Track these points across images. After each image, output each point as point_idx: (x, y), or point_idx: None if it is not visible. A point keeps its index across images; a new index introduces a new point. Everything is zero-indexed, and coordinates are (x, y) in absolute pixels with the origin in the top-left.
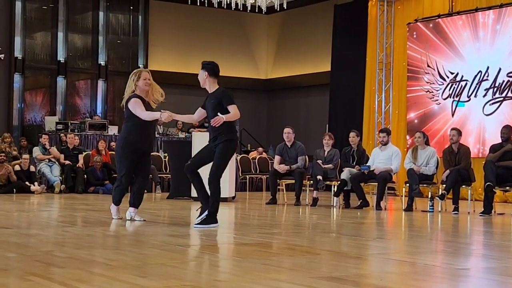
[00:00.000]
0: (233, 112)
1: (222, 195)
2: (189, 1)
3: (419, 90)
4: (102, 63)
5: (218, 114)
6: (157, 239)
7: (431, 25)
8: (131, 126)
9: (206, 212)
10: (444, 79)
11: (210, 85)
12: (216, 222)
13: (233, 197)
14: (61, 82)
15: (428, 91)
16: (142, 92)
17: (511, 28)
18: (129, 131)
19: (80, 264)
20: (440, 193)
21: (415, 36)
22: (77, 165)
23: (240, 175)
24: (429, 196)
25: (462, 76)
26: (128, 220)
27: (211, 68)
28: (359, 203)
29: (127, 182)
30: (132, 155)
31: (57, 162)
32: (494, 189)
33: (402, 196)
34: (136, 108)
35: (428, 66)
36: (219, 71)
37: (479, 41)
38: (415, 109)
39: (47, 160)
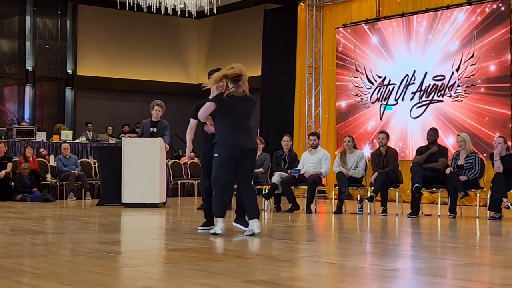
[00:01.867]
0: None
1: (152, 201)
2: (118, 6)
3: (348, 94)
4: (30, 68)
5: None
6: (85, 246)
7: (359, 29)
8: None
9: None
10: (372, 83)
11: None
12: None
13: (164, 203)
14: None
15: (357, 95)
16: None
17: (440, 35)
18: None
19: (5, 273)
20: (368, 196)
21: (343, 40)
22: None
23: (172, 180)
24: (358, 199)
25: (390, 80)
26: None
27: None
28: (289, 207)
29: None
30: None
31: None
32: (421, 191)
33: (332, 199)
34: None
35: (357, 70)
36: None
37: (406, 45)
38: (344, 113)
39: None
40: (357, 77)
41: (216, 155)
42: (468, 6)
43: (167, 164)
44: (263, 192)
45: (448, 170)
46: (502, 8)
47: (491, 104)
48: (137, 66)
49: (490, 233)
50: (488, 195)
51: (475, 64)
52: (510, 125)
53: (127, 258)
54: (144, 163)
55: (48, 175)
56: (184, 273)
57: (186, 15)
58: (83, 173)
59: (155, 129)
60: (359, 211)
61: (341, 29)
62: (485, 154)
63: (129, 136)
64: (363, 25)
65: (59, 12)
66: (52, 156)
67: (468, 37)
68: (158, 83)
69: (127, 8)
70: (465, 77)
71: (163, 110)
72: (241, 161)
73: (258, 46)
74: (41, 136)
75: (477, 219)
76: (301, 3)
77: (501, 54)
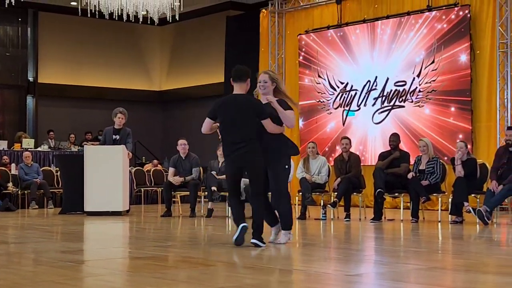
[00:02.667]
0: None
1: (115, 209)
2: (80, 13)
3: (311, 99)
4: None
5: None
6: (48, 256)
7: (321, 36)
8: None
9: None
10: (335, 89)
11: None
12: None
13: (128, 211)
14: None
15: (320, 100)
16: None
17: (402, 41)
18: None
19: None
20: (332, 201)
21: (306, 47)
22: None
23: (135, 188)
24: (322, 204)
25: (352, 86)
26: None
27: (232, 72)
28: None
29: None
30: None
31: None
32: (383, 196)
33: (295, 204)
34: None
35: (319, 76)
36: (241, 74)
37: (368, 51)
38: (307, 118)
39: None
40: (319, 83)
41: (286, 167)
42: (429, 13)
43: (130, 172)
44: (227, 199)
45: (410, 175)
46: (460, 13)
47: (451, 116)
48: (99, 73)
49: (452, 237)
50: (450, 199)
51: (436, 69)
52: (472, 138)
53: (90, 267)
54: (106, 171)
55: (10, 184)
56: (147, 282)
57: (148, 22)
58: (45, 182)
59: (117, 137)
60: (322, 216)
61: (303, 36)
62: (446, 158)
63: (92, 144)
64: (325, 31)
65: (20, 19)
66: (13, 165)
67: (429, 43)
68: (121, 90)
69: (89, 15)
70: (426, 83)
71: (126, 118)
72: None
73: (221, 52)
74: (2, 145)
75: (439, 223)
76: (263, 10)
77: (461, 67)
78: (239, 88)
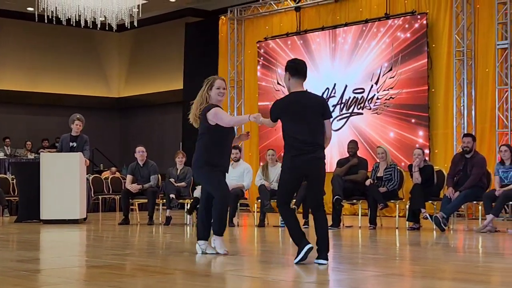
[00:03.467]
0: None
1: (72, 217)
2: (37, 19)
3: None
4: None
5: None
6: (2, 265)
7: (280, 43)
8: (207, 142)
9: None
10: None
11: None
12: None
13: (85, 218)
14: None
15: None
16: (216, 102)
17: (361, 48)
18: (205, 147)
19: None
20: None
21: (265, 54)
22: None
23: (92, 195)
24: None
25: None
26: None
27: (292, 67)
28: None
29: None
30: (218, 173)
31: None
32: (342, 203)
33: (254, 212)
34: (221, 114)
35: (278, 83)
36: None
37: (327, 58)
38: (266, 126)
39: None
40: (278, 90)
41: None
42: (389, 21)
43: (87, 179)
44: (186, 206)
45: (368, 182)
46: (418, 21)
47: (408, 123)
48: (56, 79)
49: (409, 244)
50: (407, 206)
51: (393, 77)
52: (429, 145)
53: (45, 276)
54: (63, 179)
55: None
56: None
57: (107, 28)
58: (1, 190)
59: (75, 144)
60: (281, 224)
61: (262, 43)
62: (403, 164)
63: (49, 151)
64: (285, 38)
65: None
66: None
67: (387, 51)
68: (78, 97)
69: (46, 21)
70: (384, 90)
71: (83, 125)
72: None
73: (180, 59)
74: None
75: (397, 230)
76: (223, 17)
77: (418, 75)
78: (301, 85)
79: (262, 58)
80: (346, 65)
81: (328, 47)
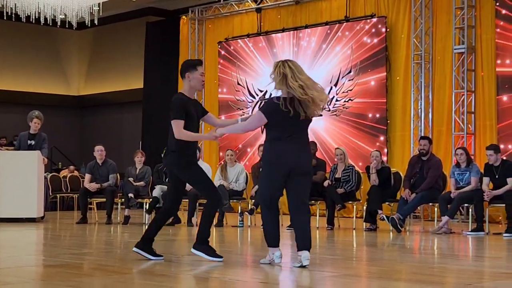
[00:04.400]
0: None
1: (29, 215)
2: None
3: (231, 107)
4: None
5: None
6: None
7: (240, 44)
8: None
9: None
10: (254, 97)
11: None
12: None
13: (42, 217)
14: None
15: (239, 108)
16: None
17: (320, 50)
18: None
19: None
20: (249, 208)
21: (226, 54)
22: None
23: (50, 194)
24: (239, 211)
25: (271, 94)
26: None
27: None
28: (171, 220)
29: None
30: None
31: None
32: None
33: None
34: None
35: (239, 84)
36: None
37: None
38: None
39: None
40: (238, 91)
41: None
42: (348, 23)
43: (45, 178)
44: (144, 206)
45: (326, 183)
46: (377, 25)
47: (366, 126)
48: (15, 77)
49: (366, 244)
50: (364, 207)
51: (352, 79)
52: (386, 147)
53: (1, 275)
54: (21, 177)
55: None
56: None
57: (67, 26)
58: None
59: (33, 142)
60: (239, 223)
61: (223, 43)
62: (360, 163)
63: (6, 149)
64: (244, 39)
65: None
66: None
67: (346, 53)
68: (37, 94)
69: (5, 18)
70: (343, 92)
71: (42, 122)
72: None
73: (140, 58)
74: None
75: (354, 231)
76: (184, 16)
77: (377, 78)
78: None
79: (222, 58)
80: (308, 67)
81: (291, 49)
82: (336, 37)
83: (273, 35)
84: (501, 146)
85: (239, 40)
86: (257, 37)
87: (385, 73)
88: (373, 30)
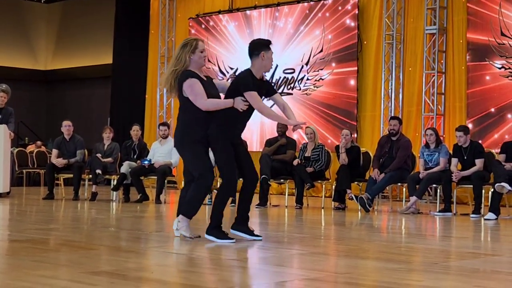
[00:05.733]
0: None
1: None
2: None
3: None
4: None
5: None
6: None
7: (211, 21)
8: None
9: None
10: (225, 74)
11: None
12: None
13: (8, 193)
14: None
15: None
16: (197, 69)
17: (286, 27)
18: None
19: None
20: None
21: (196, 31)
22: None
23: (17, 169)
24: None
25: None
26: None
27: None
28: (139, 197)
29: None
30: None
31: None
32: (269, 182)
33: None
34: (197, 90)
35: (209, 61)
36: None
37: (259, 37)
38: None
39: None
40: (209, 68)
41: None
42: (318, 2)
43: (11, 153)
44: (112, 182)
45: (295, 162)
46: (349, 3)
47: (336, 106)
48: None
49: (334, 223)
50: (333, 187)
51: (323, 59)
52: (356, 127)
53: None
54: None
55: None
56: (24, 265)
57: None
58: None
59: None
60: (208, 201)
61: (193, 20)
62: (329, 141)
63: None
64: (216, 16)
65: None
66: None
67: (318, 32)
68: (4, 68)
69: None
70: (314, 71)
71: (9, 97)
72: None
73: (110, 33)
74: None
75: (323, 210)
76: None
77: (348, 57)
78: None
79: (193, 35)
80: (282, 47)
81: (257, 25)
82: (307, 15)
83: (248, 12)
84: (469, 126)
85: (209, 17)
86: (227, 14)
87: (356, 53)
88: (345, 9)
